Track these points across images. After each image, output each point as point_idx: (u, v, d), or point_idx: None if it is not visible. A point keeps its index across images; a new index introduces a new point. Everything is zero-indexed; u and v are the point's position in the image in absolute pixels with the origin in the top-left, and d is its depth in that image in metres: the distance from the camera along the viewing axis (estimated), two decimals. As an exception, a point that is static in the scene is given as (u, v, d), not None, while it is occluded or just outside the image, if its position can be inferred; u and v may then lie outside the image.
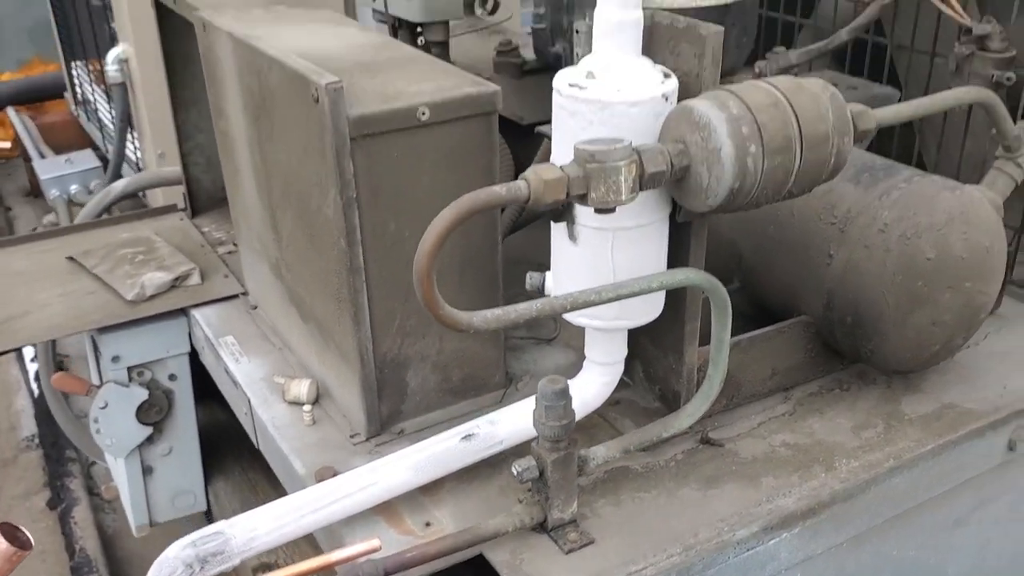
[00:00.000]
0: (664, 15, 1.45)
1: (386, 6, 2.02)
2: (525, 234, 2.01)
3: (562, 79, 1.39)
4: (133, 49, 3.39)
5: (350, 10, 2.94)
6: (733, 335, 1.50)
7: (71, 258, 2.27)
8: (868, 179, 1.62)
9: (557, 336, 1.94)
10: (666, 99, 1.36)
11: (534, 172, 1.23)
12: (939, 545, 1.70)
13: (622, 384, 1.66)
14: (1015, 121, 1.66)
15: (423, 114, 1.48)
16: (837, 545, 1.54)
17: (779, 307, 1.74)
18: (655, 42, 1.45)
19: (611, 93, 1.34)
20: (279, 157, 1.67)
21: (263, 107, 1.67)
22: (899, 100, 2.07)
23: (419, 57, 1.71)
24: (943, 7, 1.85)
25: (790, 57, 1.90)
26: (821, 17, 2.30)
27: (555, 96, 1.41)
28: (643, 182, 1.26)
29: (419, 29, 2.13)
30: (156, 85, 3.35)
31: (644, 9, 1.39)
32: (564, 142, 1.39)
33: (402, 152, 1.49)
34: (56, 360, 2.97)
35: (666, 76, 1.39)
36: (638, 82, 1.35)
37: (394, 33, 2.14)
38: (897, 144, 2.13)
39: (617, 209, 1.32)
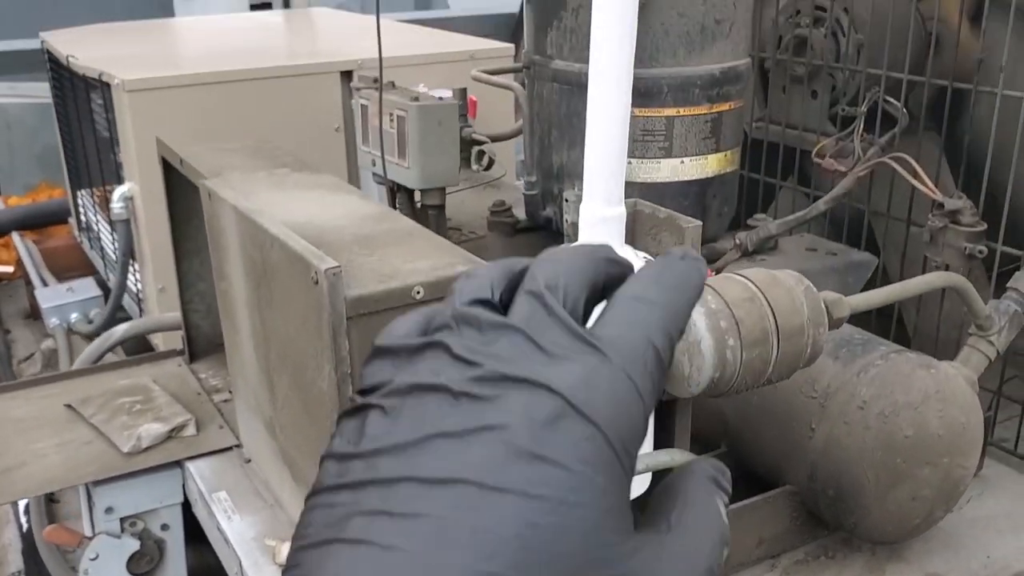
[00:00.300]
0: (646, 205, 1.52)
1: (385, 172, 2.12)
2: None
3: (550, 266, 1.46)
4: (139, 188, 3.50)
5: (353, 172, 3.06)
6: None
7: (69, 406, 2.31)
8: (847, 354, 1.67)
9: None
10: (649, 288, 1.42)
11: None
12: None
13: (610, 550, 1.68)
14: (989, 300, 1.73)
15: (418, 293, 1.54)
16: None
17: (764, 474, 1.77)
18: (638, 229, 1.53)
19: (597, 283, 1.40)
20: (277, 324, 1.73)
21: (264, 277, 1.74)
22: (877, 265, 2.15)
23: (416, 232, 1.78)
24: (915, 182, 1.95)
25: (770, 228, 1.98)
26: (801, 180, 2.41)
27: (544, 281, 1.47)
28: (627, 372, 1.32)
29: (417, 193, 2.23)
30: (159, 223, 3.45)
31: (627, 200, 1.47)
32: (552, 326, 1.45)
33: (396, 328, 1.55)
34: (47, 496, 2.97)
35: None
36: (622, 272, 1.42)
37: (393, 195, 2.23)
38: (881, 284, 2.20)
39: (603, 391, 1.37)
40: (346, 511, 0.49)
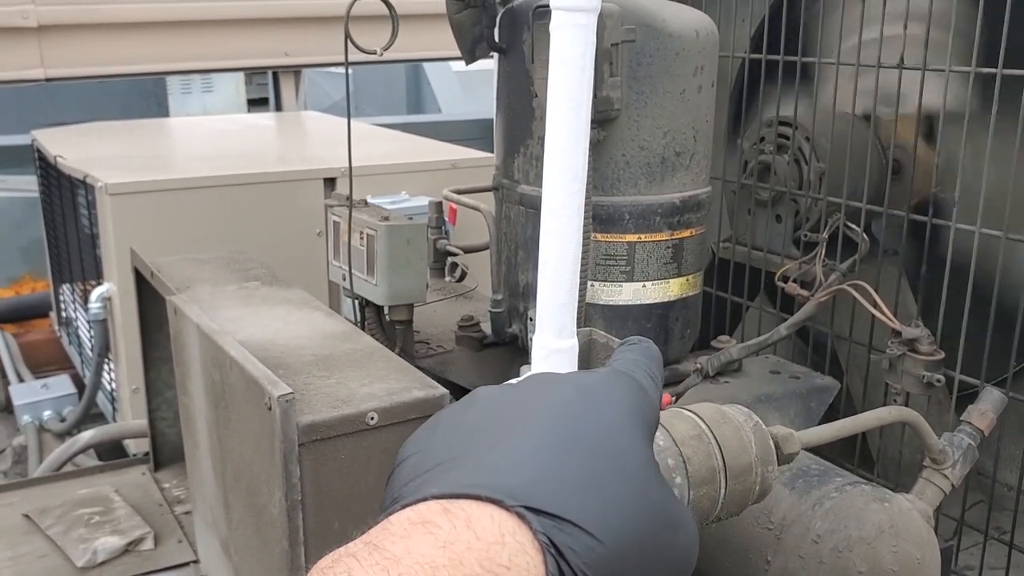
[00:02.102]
0: (600, 334, 1.55)
1: (352, 287, 2.14)
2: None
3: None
4: (116, 288, 3.53)
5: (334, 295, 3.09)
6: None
7: (27, 516, 2.28)
8: (803, 485, 1.67)
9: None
10: (600, 421, 1.43)
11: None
12: None
13: None
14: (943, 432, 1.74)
15: (372, 419, 1.55)
16: None
17: (722, 605, 1.75)
18: (593, 357, 1.54)
19: (547, 415, 1.41)
20: (234, 445, 1.73)
21: (223, 397, 1.74)
22: (841, 387, 2.16)
23: (376, 353, 1.79)
24: (873, 310, 1.98)
25: (731, 352, 2.00)
26: (765, 301, 2.44)
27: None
28: (573, 509, 1.31)
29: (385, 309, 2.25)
30: (135, 325, 3.48)
31: (580, 330, 1.49)
32: (503, 457, 1.45)
33: (349, 454, 1.55)
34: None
35: (601, 396, 1.47)
36: (573, 405, 1.43)
37: (363, 309, 2.25)
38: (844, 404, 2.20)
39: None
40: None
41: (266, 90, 9.70)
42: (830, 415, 2.30)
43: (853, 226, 2.22)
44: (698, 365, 1.98)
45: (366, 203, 2.26)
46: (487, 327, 2.38)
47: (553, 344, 1.45)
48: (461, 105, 7.64)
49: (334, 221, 2.25)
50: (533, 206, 2.01)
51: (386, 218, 2.12)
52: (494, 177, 2.17)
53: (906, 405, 2.04)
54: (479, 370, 2.36)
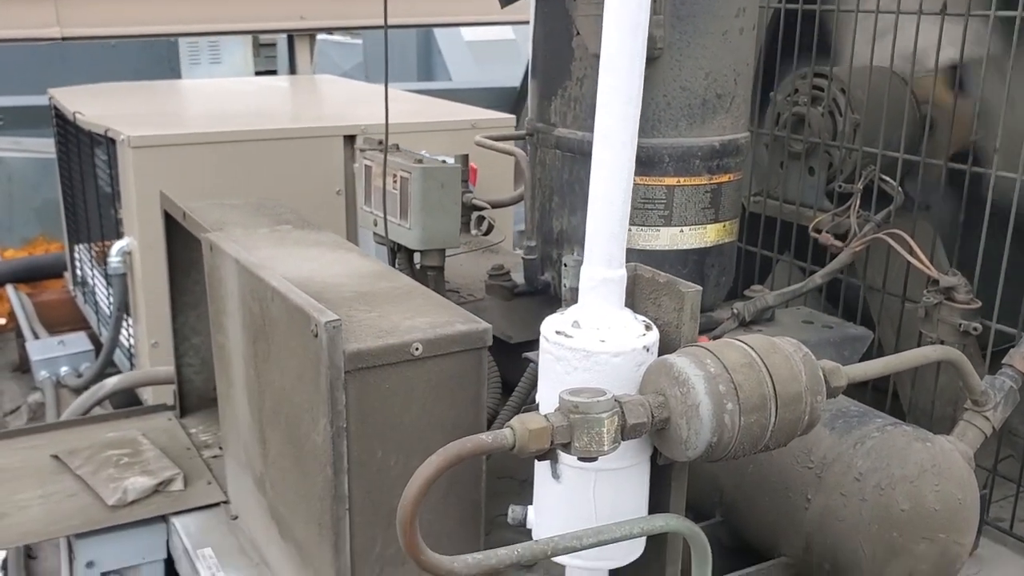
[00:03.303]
0: (646, 269, 1.54)
1: (387, 232, 2.13)
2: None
3: (550, 326, 1.47)
4: (137, 243, 3.51)
5: (352, 234, 3.08)
6: (714, 574, 1.51)
7: (56, 456, 2.28)
8: (843, 425, 1.67)
9: (536, 563, 1.93)
10: (647, 350, 1.43)
11: (520, 421, 1.27)
12: None
13: (603, 620, 1.65)
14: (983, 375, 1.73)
15: (416, 349, 1.54)
16: None
17: (760, 545, 1.75)
18: (638, 293, 1.54)
19: (595, 343, 1.40)
20: (273, 378, 1.72)
21: (262, 330, 1.73)
22: (872, 339, 2.16)
23: (415, 290, 1.79)
24: (910, 258, 1.97)
25: (767, 299, 2.00)
26: (797, 254, 2.43)
27: (542, 341, 1.48)
28: (624, 433, 1.31)
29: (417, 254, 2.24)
30: (156, 279, 3.45)
31: (628, 264, 1.48)
32: (550, 385, 1.45)
33: (394, 384, 1.55)
34: (26, 552, 2.91)
35: (648, 328, 1.46)
36: (621, 334, 1.42)
37: (393, 255, 2.24)
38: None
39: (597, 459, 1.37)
40: None
41: (274, 63, 9.64)
42: (866, 356, 2.29)
43: (887, 179, 2.21)
44: (734, 311, 1.97)
45: (398, 148, 2.25)
46: (518, 277, 2.38)
47: (602, 274, 1.45)
48: (472, 74, 7.60)
49: (366, 165, 2.24)
50: (570, 149, 2.00)
51: (420, 161, 2.10)
52: (527, 122, 2.16)
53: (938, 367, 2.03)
54: (509, 319, 2.36)
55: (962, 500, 1.59)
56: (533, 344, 2.10)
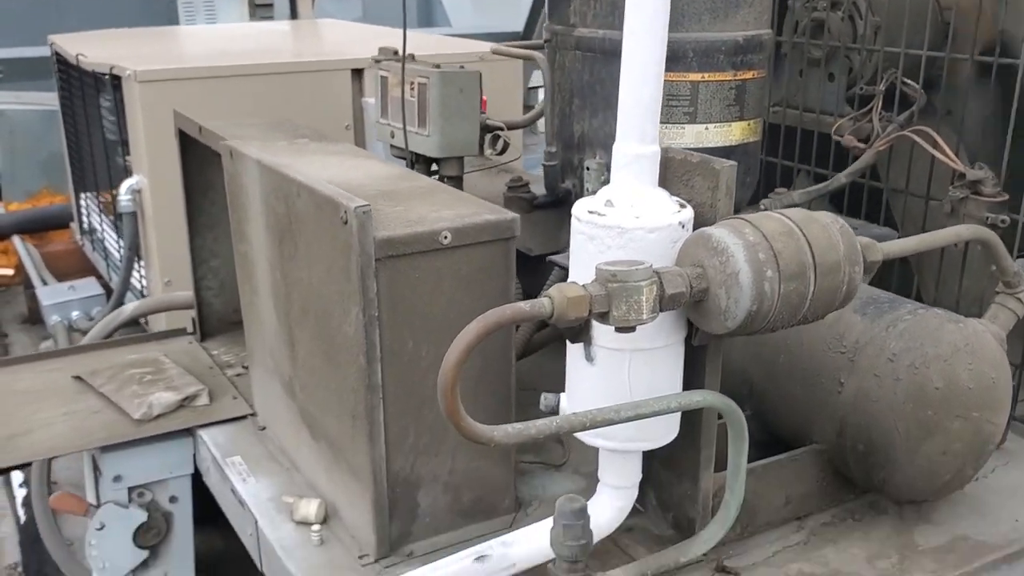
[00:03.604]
0: (677, 151, 1.52)
1: (406, 143, 2.11)
2: (534, 363, 2.04)
3: (581, 207, 1.45)
4: (147, 180, 3.49)
5: (359, 128, 3.05)
6: (747, 462, 1.51)
7: (78, 377, 2.27)
8: (874, 311, 1.66)
9: (566, 462, 1.94)
10: (682, 227, 1.42)
11: (558, 290, 1.26)
12: None
13: (634, 511, 1.65)
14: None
15: (445, 238, 1.53)
16: None
17: (791, 435, 1.76)
18: (669, 176, 1.52)
19: (630, 220, 1.39)
20: (300, 276, 1.71)
21: (288, 229, 1.72)
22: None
23: (438, 188, 1.78)
24: (937, 154, 1.95)
25: (792, 197, 1.98)
26: (819, 162, 2.41)
27: (574, 223, 1.46)
28: (663, 303, 1.30)
29: (434, 165, 2.22)
30: (167, 215, 3.43)
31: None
32: (582, 266, 1.44)
33: (423, 273, 1.54)
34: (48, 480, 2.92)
35: (681, 206, 1.45)
36: (655, 210, 1.41)
37: (410, 167, 2.22)
38: (896, 282, 2.19)
39: (635, 330, 1.36)
40: None
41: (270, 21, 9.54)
42: (886, 270, 2.28)
43: (909, 81, 2.18)
44: (762, 206, 1.96)
45: (414, 58, 2.22)
46: (537, 189, 2.36)
47: (635, 150, 1.43)
48: (472, 20, 7.52)
49: (381, 76, 2.21)
50: (591, 49, 1.97)
51: (438, 66, 2.08)
52: (545, 28, 2.13)
53: (965, 252, 2.03)
54: (529, 232, 2.34)
55: (995, 379, 1.59)
56: (551, 265, 2.10)
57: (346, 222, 1.47)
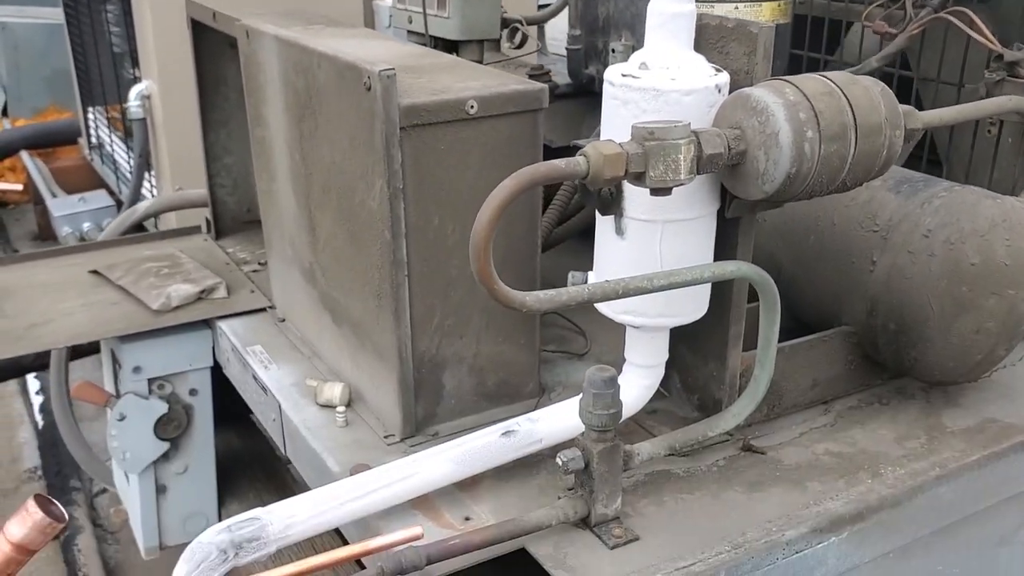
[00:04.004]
0: (711, 16, 1.47)
1: (426, 26, 2.06)
2: (557, 259, 2.01)
3: (615, 71, 1.41)
4: (156, 86, 3.43)
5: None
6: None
7: (95, 272, 2.26)
8: (908, 189, 1.63)
9: (588, 351, 1.92)
10: (719, 90, 1.37)
11: (593, 148, 1.23)
12: (984, 563, 1.66)
13: (659, 395, 1.64)
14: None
15: (472, 107, 1.49)
16: (884, 555, 1.50)
17: (819, 319, 1.73)
18: (703, 43, 1.47)
19: (665, 82, 1.35)
20: (321, 154, 1.67)
21: (308, 106, 1.68)
22: (925, 132, 2.09)
23: (461, 62, 1.73)
24: (974, 34, 1.89)
25: (824, 78, 1.93)
26: (847, 53, 2.35)
27: (606, 88, 1.42)
28: (700, 164, 1.27)
29: (456, 52, 2.16)
30: (178, 121, 3.39)
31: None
32: (616, 131, 1.40)
33: (449, 145, 1.50)
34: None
35: (718, 70, 1.40)
36: (692, 72, 1.36)
37: (430, 53, 2.17)
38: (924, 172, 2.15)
39: (667, 200, 1.33)
40: None
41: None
42: (913, 165, 2.24)
43: (944, -35, 2.10)
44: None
45: (433, -60, 2.15)
46: (559, 78, 2.30)
47: (672, 8, 1.38)
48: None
49: (400, -40, 2.14)
50: (618, -75, 1.90)
51: (458, -53, 2.01)
52: (568, -91, 2.06)
53: (997, 141, 1.98)
54: (551, 123, 2.29)
55: (1032, 257, 1.55)
56: (576, 150, 2.06)
57: (369, 88, 1.43)
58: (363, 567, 1.34)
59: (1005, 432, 1.62)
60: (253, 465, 2.47)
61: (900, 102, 2.25)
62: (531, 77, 2.29)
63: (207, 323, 2.09)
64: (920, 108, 2.21)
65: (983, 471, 1.56)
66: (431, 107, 1.46)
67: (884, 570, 1.52)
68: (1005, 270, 1.52)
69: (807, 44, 2.40)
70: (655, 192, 1.26)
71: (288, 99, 1.75)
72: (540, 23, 2.71)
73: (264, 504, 1.44)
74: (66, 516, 1.22)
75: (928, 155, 2.25)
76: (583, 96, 2.21)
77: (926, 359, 1.58)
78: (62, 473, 2.96)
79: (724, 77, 1.38)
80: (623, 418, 1.55)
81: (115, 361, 2.17)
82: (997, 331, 1.56)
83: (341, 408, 1.68)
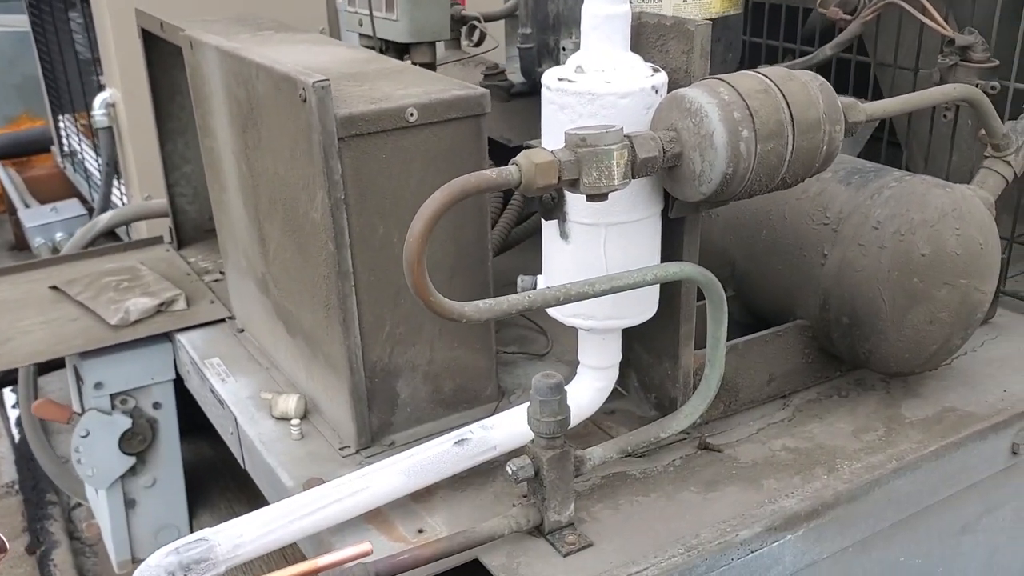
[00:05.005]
0: (651, 15, 1.45)
1: (373, 29, 2.03)
2: (514, 258, 2.00)
3: (551, 75, 1.39)
4: (120, 93, 3.40)
5: (335, 36, 2.97)
6: (729, 341, 1.48)
7: (55, 287, 2.24)
8: (859, 180, 1.61)
9: (549, 352, 1.91)
10: (656, 91, 1.36)
11: (525, 156, 1.21)
12: (946, 552, 1.66)
13: (616, 395, 1.63)
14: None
15: (411, 115, 1.47)
16: (842, 550, 1.49)
17: (774, 314, 1.72)
18: (643, 42, 1.45)
19: (600, 85, 1.33)
20: (266, 166, 1.66)
21: (250, 117, 1.66)
22: (884, 122, 2.08)
23: (406, 68, 1.71)
24: (926, 20, 1.88)
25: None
26: (803, 40, 2.33)
27: (544, 92, 1.40)
28: (635, 168, 1.25)
29: (406, 55, 2.14)
30: (143, 128, 3.35)
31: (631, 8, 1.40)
32: (554, 136, 1.39)
33: (390, 154, 1.48)
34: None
35: (655, 71, 1.39)
36: (628, 74, 1.35)
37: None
38: (884, 158, 2.14)
39: (609, 203, 1.31)
40: None
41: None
42: (873, 149, 2.23)
43: (897, -52, 2.09)
44: (742, 81, 1.89)
45: (380, -58, 2.12)
46: (514, 76, 2.29)
47: (605, 10, 1.36)
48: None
49: (349, -38, 2.12)
50: (563, -79, 1.88)
51: (404, -52, 1.99)
52: (517, -95, 2.03)
53: (955, 125, 1.97)
54: (508, 122, 2.28)
55: (983, 245, 1.54)
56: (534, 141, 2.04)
57: (305, 99, 1.41)
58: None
59: (963, 421, 1.61)
60: (224, 474, 2.46)
61: (857, 88, 2.24)
62: (486, 76, 2.28)
63: (167, 336, 2.08)
64: (878, 94, 2.20)
65: (940, 461, 1.55)
66: (369, 116, 1.44)
67: (843, 565, 1.51)
68: (956, 260, 1.52)
69: (765, 32, 2.38)
70: (591, 198, 1.25)
71: (232, 110, 1.73)
72: (498, 19, 2.69)
73: (235, 513, 1.43)
74: (7, 545, 1.21)
75: (889, 137, 2.24)
76: (539, 93, 2.18)
77: (880, 351, 1.57)
78: (38, 487, 2.94)
79: (661, 77, 1.37)
80: (579, 421, 1.55)
81: (78, 377, 2.16)
82: (951, 321, 1.55)
83: (296, 421, 1.67)
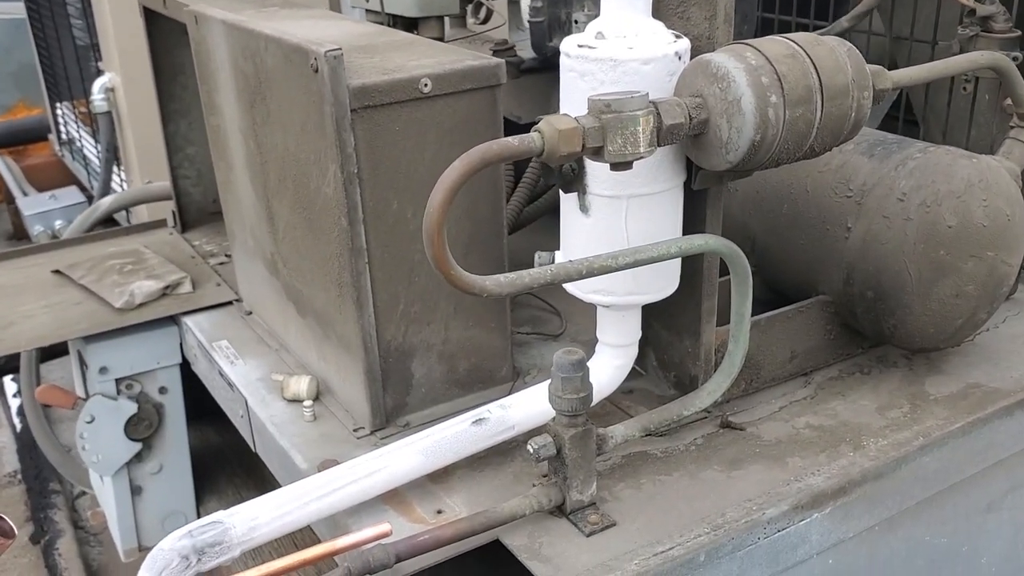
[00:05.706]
0: (670, -23, 1.41)
1: (381, 3, 1.99)
2: (528, 238, 1.97)
3: (570, 42, 1.35)
4: (120, 78, 3.35)
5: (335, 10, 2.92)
6: (751, 317, 1.44)
7: (57, 271, 2.20)
8: (882, 152, 1.58)
9: (563, 332, 1.88)
10: (679, 57, 1.32)
11: (547, 123, 1.17)
12: (972, 530, 1.63)
13: (635, 374, 1.60)
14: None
15: (425, 86, 1.43)
16: (869, 528, 1.46)
17: (795, 290, 1.69)
18: (663, 9, 1.41)
19: (623, 51, 1.29)
20: (275, 142, 1.62)
21: (258, 91, 1.62)
22: (900, 91, 2.04)
23: (417, 40, 1.67)
24: (945, -12, 1.84)
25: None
26: (816, 16, 2.29)
27: (563, 60, 1.37)
28: (661, 135, 1.21)
29: (414, 30, 2.10)
30: (143, 113, 3.31)
31: (652, -28, 1.36)
32: (575, 105, 1.35)
33: (404, 126, 1.44)
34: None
35: (677, 37, 1.35)
36: (650, 40, 1.31)
37: (389, 32, 2.10)
38: (901, 133, 2.10)
39: (630, 174, 1.28)
40: None
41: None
42: (889, 126, 2.19)
43: (914, -81, 2.05)
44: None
45: (387, -85, 2.08)
46: (524, 53, 2.24)
47: (625, -26, 1.32)
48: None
49: (355, -63, 2.08)
50: None
51: (412, -80, 1.94)
52: None
53: (974, 97, 1.93)
54: (518, 99, 2.24)
55: (1011, 216, 1.51)
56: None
57: (316, 70, 1.37)
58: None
59: (989, 397, 1.58)
60: (232, 460, 2.42)
61: (872, 64, 2.20)
62: (495, 53, 2.24)
63: (173, 319, 2.04)
64: (894, 68, 2.16)
65: (967, 438, 1.52)
66: (383, 87, 1.40)
67: (869, 544, 1.48)
68: (983, 231, 1.48)
69: (778, 7, 2.34)
70: (615, 167, 1.21)
71: (239, 85, 1.69)
72: (506, -3, 2.64)
73: (243, 500, 1.40)
74: (15, 531, 1.18)
75: (905, 115, 2.20)
76: (550, 71, 2.14)
77: (906, 326, 1.54)
78: (41, 476, 2.91)
79: (684, 44, 1.33)
80: (597, 400, 1.51)
81: (82, 362, 2.12)
82: (977, 294, 1.52)
83: (308, 402, 1.64)
